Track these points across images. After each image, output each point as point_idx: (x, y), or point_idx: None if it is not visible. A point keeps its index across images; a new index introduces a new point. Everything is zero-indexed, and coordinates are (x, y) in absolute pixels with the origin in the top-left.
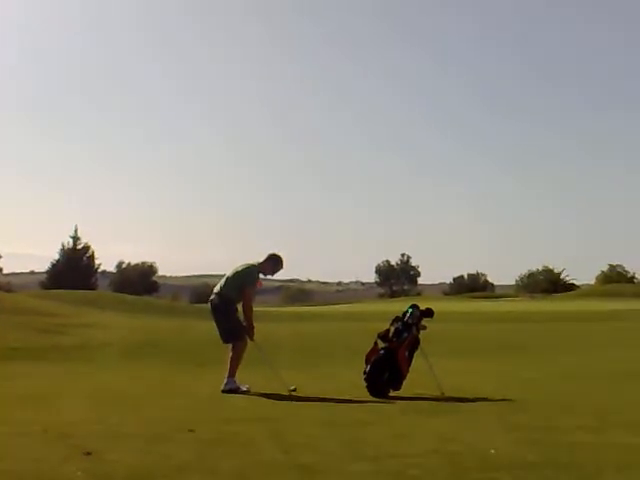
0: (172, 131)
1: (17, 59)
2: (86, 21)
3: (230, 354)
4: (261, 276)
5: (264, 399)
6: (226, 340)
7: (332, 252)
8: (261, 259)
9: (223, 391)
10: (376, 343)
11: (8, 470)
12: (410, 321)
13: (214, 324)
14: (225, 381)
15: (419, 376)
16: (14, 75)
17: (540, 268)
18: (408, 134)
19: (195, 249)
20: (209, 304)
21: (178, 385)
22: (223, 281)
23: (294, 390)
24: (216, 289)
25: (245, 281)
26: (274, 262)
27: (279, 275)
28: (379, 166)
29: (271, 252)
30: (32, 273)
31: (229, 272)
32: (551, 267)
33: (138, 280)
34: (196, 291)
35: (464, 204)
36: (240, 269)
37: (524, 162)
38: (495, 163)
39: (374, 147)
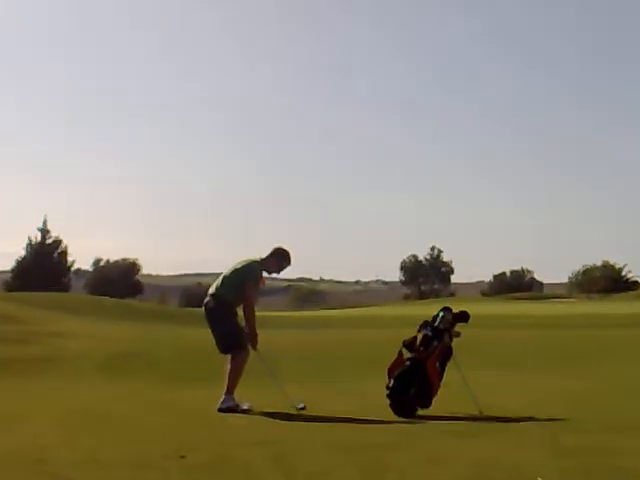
0: (158, 112)
1: None
2: None
3: (228, 366)
4: (265, 274)
5: (268, 419)
6: (224, 350)
7: (349, 246)
8: (264, 254)
9: (220, 410)
10: (401, 353)
11: None
12: (441, 327)
13: (209, 331)
14: (222, 398)
15: (452, 392)
16: None
17: (598, 263)
18: (439, 115)
19: (186, 244)
20: (203, 308)
21: (167, 403)
22: (219, 280)
23: (303, 409)
24: (211, 290)
25: (246, 280)
26: (280, 257)
27: (286, 273)
28: (404, 148)
29: (276, 246)
30: None
31: (226, 270)
32: (611, 262)
33: (119, 280)
34: (187, 292)
35: (505, 189)
36: (239, 266)
37: (577, 143)
38: (542, 143)
39: (397, 127)
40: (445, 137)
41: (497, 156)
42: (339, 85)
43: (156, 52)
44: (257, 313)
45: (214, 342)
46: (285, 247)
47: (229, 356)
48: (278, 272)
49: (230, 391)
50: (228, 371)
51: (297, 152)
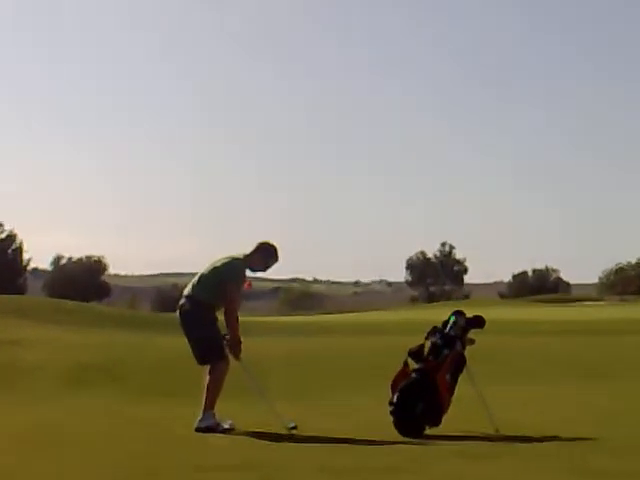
0: (128, 97)
1: None
2: None
3: (207, 379)
4: (249, 273)
5: (253, 440)
6: (201, 360)
7: (347, 242)
8: (248, 251)
9: (198, 429)
10: (406, 363)
11: None
12: (453, 333)
13: (185, 339)
14: (201, 416)
15: (465, 407)
16: None
17: (632, 261)
18: (450, 89)
19: (160, 239)
20: (177, 311)
21: (136, 421)
22: (196, 280)
23: (294, 428)
24: (187, 291)
25: (227, 279)
26: (265, 253)
27: (275, 273)
28: (410, 130)
29: (261, 240)
30: None
31: (204, 268)
32: None
33: (82, 281)
34: (161, 295)
35: (525, 178)
36: (219, 264)
37: (607, 130)
38: (570, 130)
39: (401, 103)
40: (458, 119)
41: (518, 141)
42: (336, 76)
43: (115, 30)
44: (240, 318)
45: (190, 351)
46: (271, 241)
47: (208, 368)
48: (264, 270)
49: (209, 408)
50: (207, 385)
51: (287, 136)
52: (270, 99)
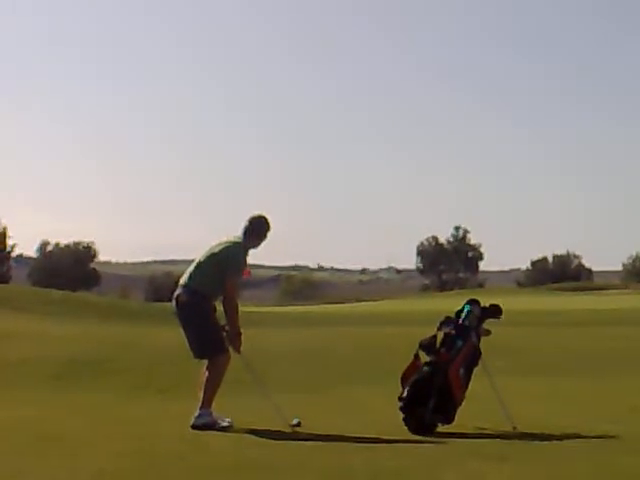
0: (118, 70)
1: None
2: None
3: (205, 374)
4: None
5: (253, 438)
6: (199, 354)
7: (353, 227)
8: (240, 232)
9: (194, 427)
10: (417, 356)
11: None
12: (467, 324)
13: (181, 331)
14: (197, 413)
15: (480, 403)
16: None
17: None
18: (472, 65)
19: (154, 224)
20: (173, 302)
21: (129, 419)
22: (192, 268)
23: (297, 425)
24: (183, 280)
25: (226, 266)
26: (257, 227)
27: (277, 260)
28: (421, 109)
29: (250, 217)
30: None
31: (201, 255)
32: None
33: (70, 268)
34: (154, 284)
35: (547, 161)
36: (217, 250)
37: (632, 109)
38: (595, 110)
39: (413, 79)
40: (474, 100)
41: (541, 121)
42: (343, 58)
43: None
44: (240, 308)
45: (187, 344)
46: (259, 214)
47: (206, 361)
48: (259, 243)
49: (207, 404)
50: (205, 380)
51: (291, 116)
52: (272, 82)
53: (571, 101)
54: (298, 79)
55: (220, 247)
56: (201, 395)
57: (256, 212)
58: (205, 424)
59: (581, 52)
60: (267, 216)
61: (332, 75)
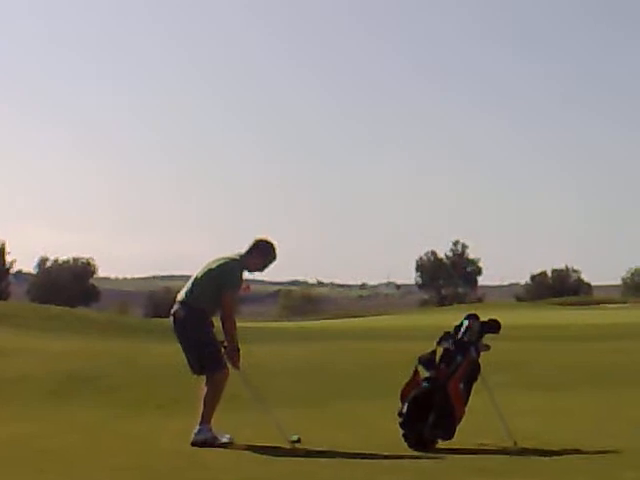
0: (119, 87)
1: None
2: None
3: (204, 390)
4: (247, 275)
5: (253, 455)
6: (197, 370)
7: (353, 242)
8: (244, 250)
9: (194, 444)
10: (416, 371)
11: None
12: (466, 339)
13: (179, 347)
14: (197, 429)
15: (480, 419)
16: None
17: None
18: (467, 79)
19: (154, 239)
20: (171, 318)
21: (127, 436)
22: (190, 284)
23: (297, 441)
24: (180, 296)
25: (223, 283)
26: (262, 252)
27: (276, 275)
28: (419, 123)
29: (257, 237)
30: None
31: (199, 271)
32: None
33: (69, 284)
34: (154, 299)
35: (546, 175)
36: (214, 266)
37: (630, 122)
38: (592, 122)
39: (411, 92)
40: (471, 112)
41: (538, 134)
42: (340, 70)
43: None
44: (239, 323)
45: (185, 360)
46: (267, 238)
47: (205, 378)
48: (262, 270)
49: (206, 420)
50: (203, 396)
51: (289, 131)
52: (270, 89)
53: (570, 116)
54: (300, 89)
55: (217, 263)
56: (200, 411)
57: (266, 237)
58: (205, 440)
59: (582, 58)
60: (275, 244)
61: (329, 93)
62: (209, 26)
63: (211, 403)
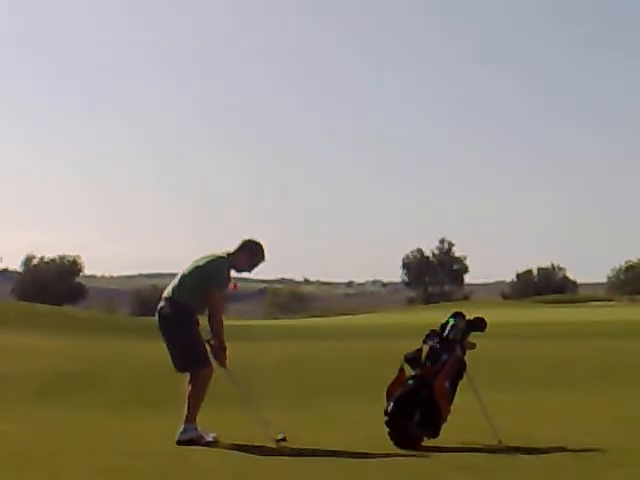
0: (105, 85)
1: None
2: None
3: (189, 388)
4: (234, 274)
5: (238, 453)
6: (181, 367)
7: (339, 240)
8: (232, 249)
9: (179, 442)
10: (402, 370)
11: None
12: (452, 337)
13: (164, 344)
14: (182, 428)
15: (465, 417)
16: None
17: None
18: (452, 80)
19: (138, 238)
20: (156, 314)
21: (116, 435)
22: (176, 281)
23: (283, 440)
24: (166, 292)
25: (211, 281)
26: (250, 251)
27: (262, 272)
28: (405, 122)
29: (246, 238)
30: None
31: (186, 268)
32: None
33: (55, 283)
34: (140, 297)
35: (531, 173)
36: (202, 263)
37: (614, 120)
38: (576, 122)
39: (396, 95)
40: (457, 112)
41: (523, 134)
42: (331, 69)
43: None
44: (225, 321)
45: (169, 357)
46: (256, 239)
47: (189, 375)
48: (249, 270)
49: (191, 419)
50: (188, 394)
51: (276, 132)
52: (258, 94)
53: (555, 117)
54: (280, 94)
55: (204, 260)
56: (185, 410)
57: (255, 238)
58: (190, 439)
59: (555, 58)
60: (264, 245)
61: (316, 93)
62: (192, 37)
63: (195, 401)
